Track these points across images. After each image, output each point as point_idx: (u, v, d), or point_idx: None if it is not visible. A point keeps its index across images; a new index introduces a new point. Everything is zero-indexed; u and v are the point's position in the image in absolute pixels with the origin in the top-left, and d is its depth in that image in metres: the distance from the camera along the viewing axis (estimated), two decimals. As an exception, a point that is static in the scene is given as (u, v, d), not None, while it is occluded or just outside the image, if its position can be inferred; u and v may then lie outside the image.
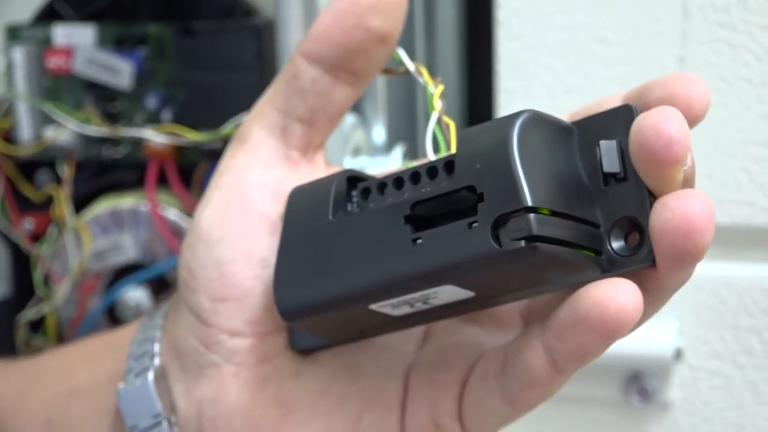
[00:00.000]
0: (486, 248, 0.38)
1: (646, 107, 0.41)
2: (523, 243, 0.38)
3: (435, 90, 0.47)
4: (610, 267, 0.40)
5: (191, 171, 0.77)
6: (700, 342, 0.73)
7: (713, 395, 0.74)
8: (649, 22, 0.70)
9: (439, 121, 0.46)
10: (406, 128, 0.77)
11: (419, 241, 0.40)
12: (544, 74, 0.72)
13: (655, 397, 0.73)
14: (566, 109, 0.71)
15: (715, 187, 0.70)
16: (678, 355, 0.72)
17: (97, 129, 0.76)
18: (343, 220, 0.43)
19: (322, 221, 0.44)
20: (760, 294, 0.72)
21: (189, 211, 0.77)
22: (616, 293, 0.38)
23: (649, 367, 0.73)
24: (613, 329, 0.39)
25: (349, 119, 0.68)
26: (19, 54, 0.77)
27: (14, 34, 0.78)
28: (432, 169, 0.42)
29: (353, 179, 0.45)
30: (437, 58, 0.80)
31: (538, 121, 0.40)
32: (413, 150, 0.77)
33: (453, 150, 0.44)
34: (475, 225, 0.39)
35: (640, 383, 0.73)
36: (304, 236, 0.45)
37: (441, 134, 0.46)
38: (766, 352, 0.72)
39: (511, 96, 0.72)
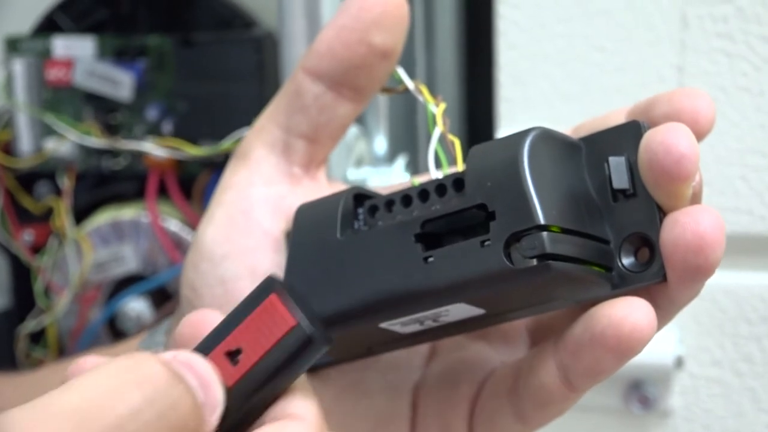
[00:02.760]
0: (499, 266, 0.38)
1: (652, 122, 0.41)
2: (535, 261, 0.38)
3: (437, 108, 0.47)
4: (620, 283, 0.40)
5: (191, 182, 0.77)
6: (699, 350, 0.74)
7: (713, 403, 0.74)
8: (647, 32, 0.70)
9: (443, 139, 0.46)
10: (407, 139, 0.77)
11: (430, 259, 0.40)
12: (543, 83, 0.72)
13: (656, 405, 0.74)
14: (565, 117, 0.72)
15: (714, 196, 0.71)
16: (679, 363, 0.72)
17: (98, 141, 0.76)
18: (351, 238, 0.43)
19: (330, 239, 0.44)
20: (759, 302, 0.72)
21: (189, 222, 0.77)
22: (631, 312, 0.38)
23: (649, 375, 0.73)
24: (628, 348, 0.39)
25: (352, 130, 0.68)
26: (18, 66, 0.77)
27: (14, 46, 0.78)
28: (441, 187, 0.42)
29: (360, 196, 0.45)
30: (437, 68, 0.80)
31: (547, 138, 0.40)
32: (414, 160, 0.77)
33: (459, 167, 0.44)
34: (487, 243, 0.39)
35: (641, 391, 0.73)
36: (311, 254, 0.44)
37: (443, 152, 0.46)
38: (765, 360, 0.73)
39: (511, 105, 0.73)
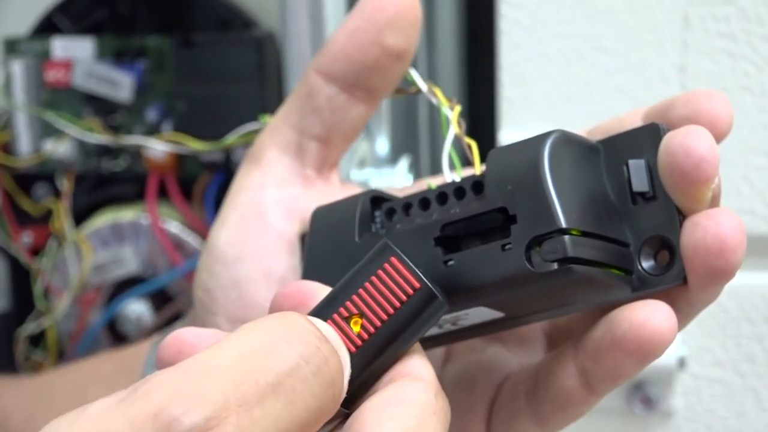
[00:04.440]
0: (521, 270, 0.38)
1: (670, 125, 0.41)
2: (556, 265, 0.38)
3: (452, 111, 0.46)
4: (640, 286, 0.40)
5: (191, 184, 0.77)
6: (702, 350, 0.74)
7: (715, 403, 0.74)
8: (649, 32, 0.70)
9: (459, 141, 0.46)
10: (408, 140, 0.77)
11: (451, 263, 0.40)
12: (545, 83, 0.72)
13: (659, 406, 0.74)
14: (568, 117, 0.72)
15: (716, 196, 0.71)
16: (681, 363, 0.72)
17: (100, 138, 0.76)
18: (369, 242, 0.43)
19: (348, 242, 0.44)
20: (761, 302, 0.72)
21: (190, 223, 0.76)
22: (653, 315, 0.39)
23: (652, 375, 0.73)
24: (649, 351, 0.39)
25: (355, 132, 0.68)
26: (17, 67, 0.77)
27: (12, 47, 0.78)
28: (459, 190, 0.42)
29: (377, 199, 0.45)
30: (438, 68, 0.80)
31: (566, 141, 0.40)
32: (416, 162, 0.77)
33: (477, 170, 0.44)
34: (508, 247, 0.38)
35: (644, 391, 0.73)
36: (329, 257, 0.44)
37: (456, 154, 0.46)
38: (767, 360, 0.73)
39: (513, 105, 0.73)
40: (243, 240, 0.48)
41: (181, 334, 0.39)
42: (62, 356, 0.79)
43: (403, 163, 0.70)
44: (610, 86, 0.72)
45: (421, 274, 0.36)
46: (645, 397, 0.73)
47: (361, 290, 0.36)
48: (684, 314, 0.41)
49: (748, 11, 0.69)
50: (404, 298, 0.36)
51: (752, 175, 0.70)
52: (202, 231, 0.76)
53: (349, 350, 0.36)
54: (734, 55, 0.69)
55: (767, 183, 0.70)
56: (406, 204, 0.43)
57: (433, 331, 0.42)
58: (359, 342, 0.36)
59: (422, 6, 0.47)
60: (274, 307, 0.40)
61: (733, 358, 0.73)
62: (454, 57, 0.81)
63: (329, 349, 0.34)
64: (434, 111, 0.78)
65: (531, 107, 0.73)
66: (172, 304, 0.77)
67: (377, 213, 0.44)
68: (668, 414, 0.75)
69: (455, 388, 0.47)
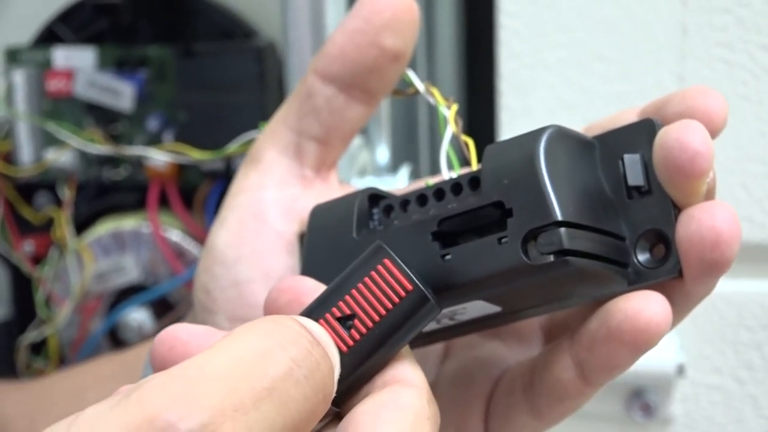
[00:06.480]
0: (518, 263, 0.38)
1: (665, 121, 0.42)
2: (552, 257, 0.38)
3: (450, 110, 0.47)
4: (636, 279, 0.40)
5: (192, 192, 0.77)
6: (700, 357, 0.74)
7: (714, 410, 0.74)
8: (647, 40, 0.71)
9: (457, 140, 0.46)
10: (408, 148, 0.77)
11: (448, 257, 0.40)
12: (544, 92, 0.73)
13: (657, 413, 0.74)
14: (566, 125, 0.72)
15: (714, 204, 0.71)
16: (680, 370, 0.73)
17: (101, 147, 0.76)
18: (367, 238, 0.43)
19: (346, 239, 0.44)
20: (759, 309, 0.72)
21: (191, 232, 0.77)
22: (647, 305, 0.39)
23: (651, 382, 0.73)
24: (643, 341, 0.39)
25: (355, 140, 0.69)
26: (19, 77, 0.77)
27: (14, 56, 0.78)
28: (456, 186, 0.42)
29: (374, 197, 0.45)
30: (438, 77, 0.80)
31: (562, 136, 0.41)
32: (416, 170, 0.77)
33: (474, 166, 0.44)
34: (504, 240, 0.39)
35: (643, 398, 0.73)
36: (327, 255, 0.44)
37: (454, 153, 0.46)
38: (765, 367, 0.73)
39: (512, 114, 0.73)
40: (242, 241, 0.48)
41: (175, 331, 0.39)
42: (63, 364, 0.80)
43: (404, 171, 0.71)
44: (609, 94, 0.72)
45: (413, 277, 0.36)
46: (644, 405, 0.74)
47: (353, 291, 0.37)
48: (680, 308, 0.42)
49: (746, 20, 0.69)
50: (396, 300, 0.37)
51: (750, 183, 0.71)
52: (203, 239, 0.76)
53: (340, 350, 0.36)
54: (732, 63, 0.70)
55: (765, 191, 0.71)
56: (404, 201, 0.44)
57: (431, 326, 0.43)
58: (351, 342, 0.36)
59: (422, 16, 0.48)
60: (270, 302, 0.40)
61: (732, 365, 0.74)
62: (453, 66, 0.82)
63: (321, 353, 0.34)
64: (434, 119, 0.79)
65: (530, 115, 0.73)
66: (174, 312, 0.77)
67: (375, 210, 0.45)
68: (667, 421, 0.75)
69: (453, 384, 0.47)
